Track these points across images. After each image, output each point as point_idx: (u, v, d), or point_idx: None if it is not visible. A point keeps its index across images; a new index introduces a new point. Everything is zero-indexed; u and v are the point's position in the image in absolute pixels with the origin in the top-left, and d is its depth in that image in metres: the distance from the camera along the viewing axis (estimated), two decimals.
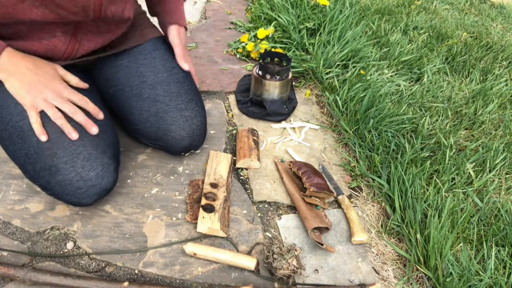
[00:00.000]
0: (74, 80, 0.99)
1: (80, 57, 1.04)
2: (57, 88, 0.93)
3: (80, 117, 0.93)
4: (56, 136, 0.90)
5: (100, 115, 0.97)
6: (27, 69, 0.91)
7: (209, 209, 0.99)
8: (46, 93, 0.91)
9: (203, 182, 1.07)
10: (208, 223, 0.95)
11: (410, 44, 2.04)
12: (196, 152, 1.22)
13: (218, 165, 1.13)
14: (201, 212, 0.98)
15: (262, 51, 1.71)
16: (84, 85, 1.00)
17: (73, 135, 0.90)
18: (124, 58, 1.13)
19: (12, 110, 0.91)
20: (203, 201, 1.01)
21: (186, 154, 1.20)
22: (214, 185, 1.07)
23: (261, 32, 1.80)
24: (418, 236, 1.00)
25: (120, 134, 1.15)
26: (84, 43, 1.01)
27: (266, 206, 1.10)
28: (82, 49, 1.02)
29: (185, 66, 1.16)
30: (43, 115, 0.91)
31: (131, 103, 1.10)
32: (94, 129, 0.93)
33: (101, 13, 0.96)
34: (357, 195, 1.18)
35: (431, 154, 1.31)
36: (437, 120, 1.49)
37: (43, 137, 0.89)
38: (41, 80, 0.92)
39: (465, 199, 1.14)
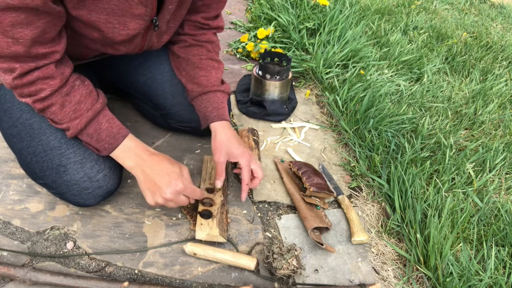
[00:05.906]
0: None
1: (99, 55, 1.05)
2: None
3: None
4: (66, 136, 0.90)
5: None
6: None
7: (207, 215, 0.98)
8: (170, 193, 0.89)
9: None
10: (206, 229, 0.94)
11: (410, 44, 2.04)
12: (196, 152, 1.22)
13: (213, 169, 1.12)
14: (199, 219, 0.97)
15: (262, 51, 1.71)
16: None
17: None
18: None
19: (23, 107, 0.92)
20: (200, 208, 1.00)
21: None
22: (210, 190, 1.05)
23: (261, 32, 1.80)
24: (418, 236, 1.00)
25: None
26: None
27: (266, 206, 1.10)
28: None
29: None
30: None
31: (164, 88, 1.13)
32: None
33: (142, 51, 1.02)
34: (357, 195, 1.18)
35: (431, 154, 1.31)
36: (437, 120, 1.49)
37: None
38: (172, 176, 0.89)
39: (465, 199, 1.14)
